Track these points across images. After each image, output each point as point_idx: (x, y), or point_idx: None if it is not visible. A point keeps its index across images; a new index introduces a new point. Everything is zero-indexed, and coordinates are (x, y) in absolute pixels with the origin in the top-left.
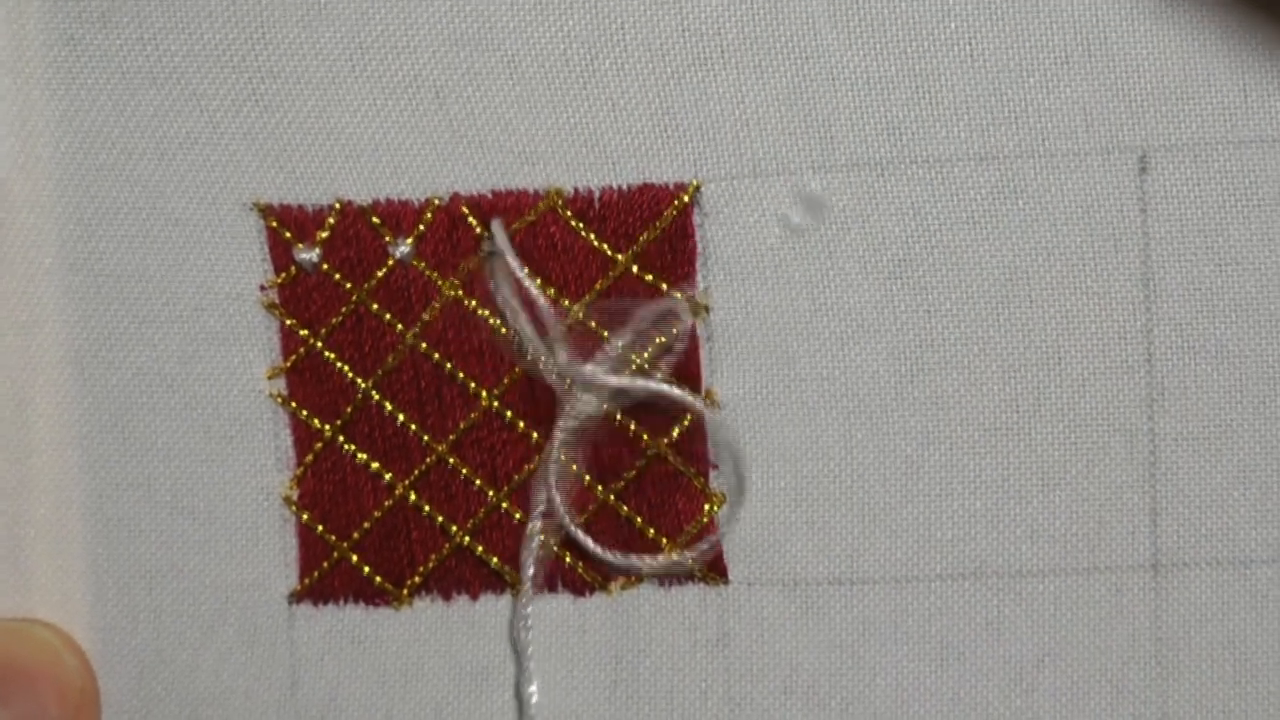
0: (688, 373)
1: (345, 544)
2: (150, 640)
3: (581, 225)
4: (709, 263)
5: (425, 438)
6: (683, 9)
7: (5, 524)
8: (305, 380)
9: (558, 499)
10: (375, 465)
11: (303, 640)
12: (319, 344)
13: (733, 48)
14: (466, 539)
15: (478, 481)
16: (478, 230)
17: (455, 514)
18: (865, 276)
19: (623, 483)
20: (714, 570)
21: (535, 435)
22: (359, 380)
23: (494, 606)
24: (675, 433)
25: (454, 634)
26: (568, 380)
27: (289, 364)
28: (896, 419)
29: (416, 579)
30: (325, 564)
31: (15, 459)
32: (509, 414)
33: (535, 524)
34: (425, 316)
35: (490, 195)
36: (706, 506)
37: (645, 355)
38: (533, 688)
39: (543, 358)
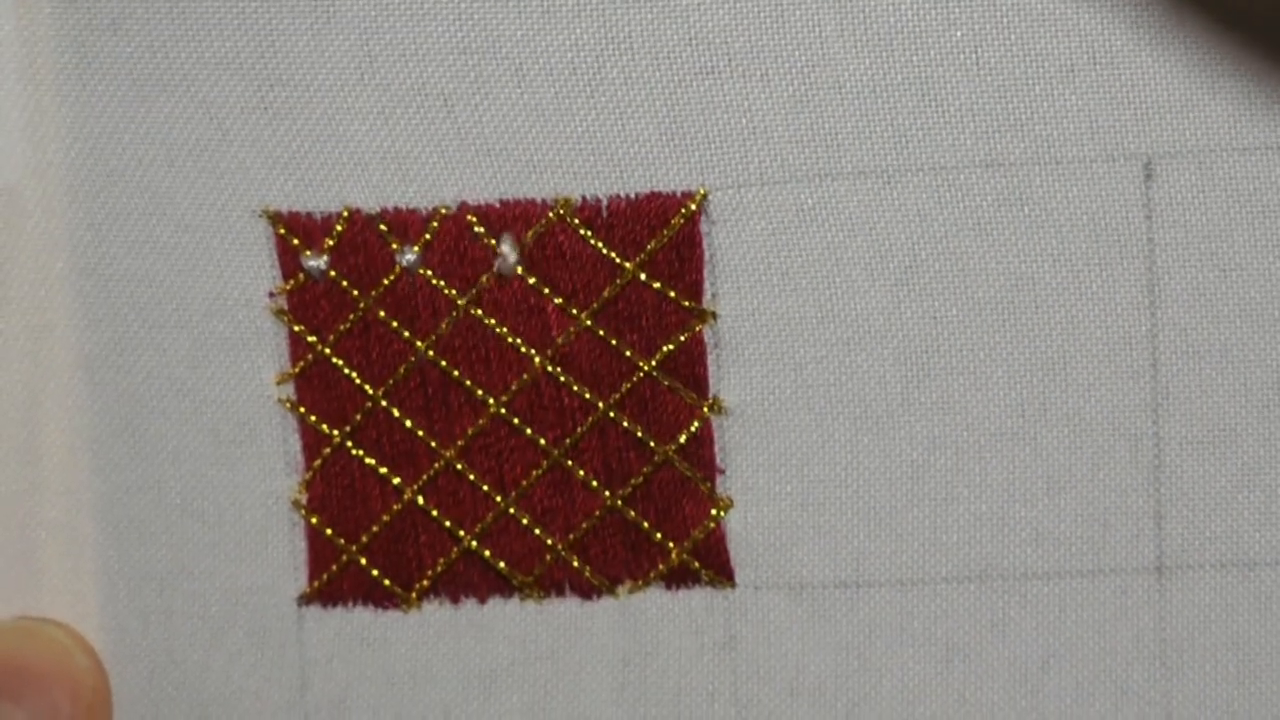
0: (695, 379)
1: (354, 547)
2: (161, 641)
3: (589, 233)
4: (716, 270)
5: (433, 443)
6: (690, 18)
7: (17, 526)
8: (314, 386)
9: None
10: (384, 470)
11: (312, 642)
12: (327, 350)
13: (739, 56)
14: (474, 543)
15: (485, 487)
16: (485, 240)
17: (463, 519)
18: (872, 283)
19: (630, 488)
20: (721, 574)
21: (543, 441)
22: (367, 388)
23: (502, 610)
24: (683, 438)
25: (462, 637)
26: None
27: (298, 370)
28: (903, 424)
29: (425, 582)
30: (334, 567)
31: (27, 462)
32: (516, 420)
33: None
34: (439, 330)
35: (498, 204)
36: (714, 511)
37: (652, 362)
38: None
39: None
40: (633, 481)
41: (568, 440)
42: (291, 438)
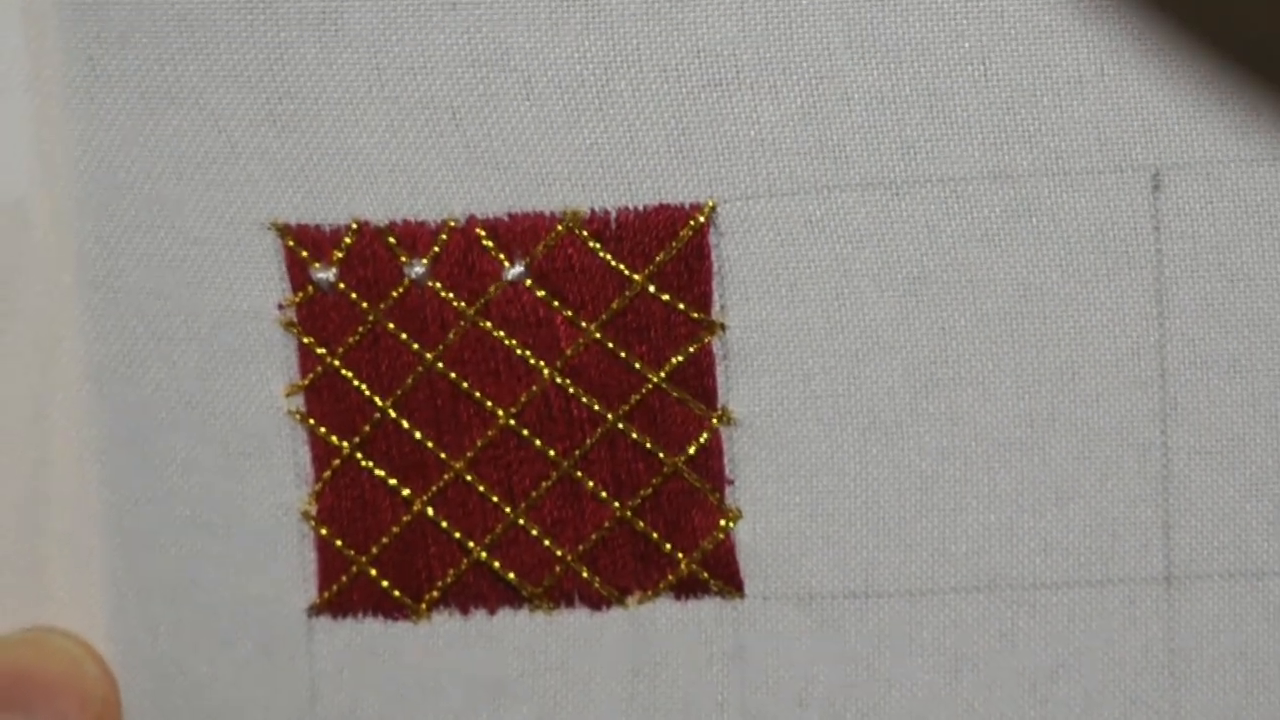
0: (704, 390)
1: (364, 558)
2: (169, 652)
3: (598, 245)
4: (725, 281)
5: (442, 454)
6: (697, 30)
7: (26, 536)
8: (323, 398)
9: None
10: (393, 482)
11: (321, 653)
12: (336, 363)
13: (747, 68)
14: (484, 554)
15: (495, 498)
16: (494, 254)
17: (473, 530)
18: (880, 294)
19: (639, 499)
20: (730, 584)
21: (552, 453)
22: (377, 399)
23: (511, 621)
24: (692, 449)
25: (472, 648)
26: None
27: (307, 382)
28: (911, 434)
29: (434, 593)
30: (344, 578)
31: (36, 473)
32: (525, 432)
33: None
34: (447, 341)
35: (507, 218)
36: (723, 522)
37: (661, 374)
38: None
39: None
40: (642, 492)
41: (577, 451)
42: (301, 449)
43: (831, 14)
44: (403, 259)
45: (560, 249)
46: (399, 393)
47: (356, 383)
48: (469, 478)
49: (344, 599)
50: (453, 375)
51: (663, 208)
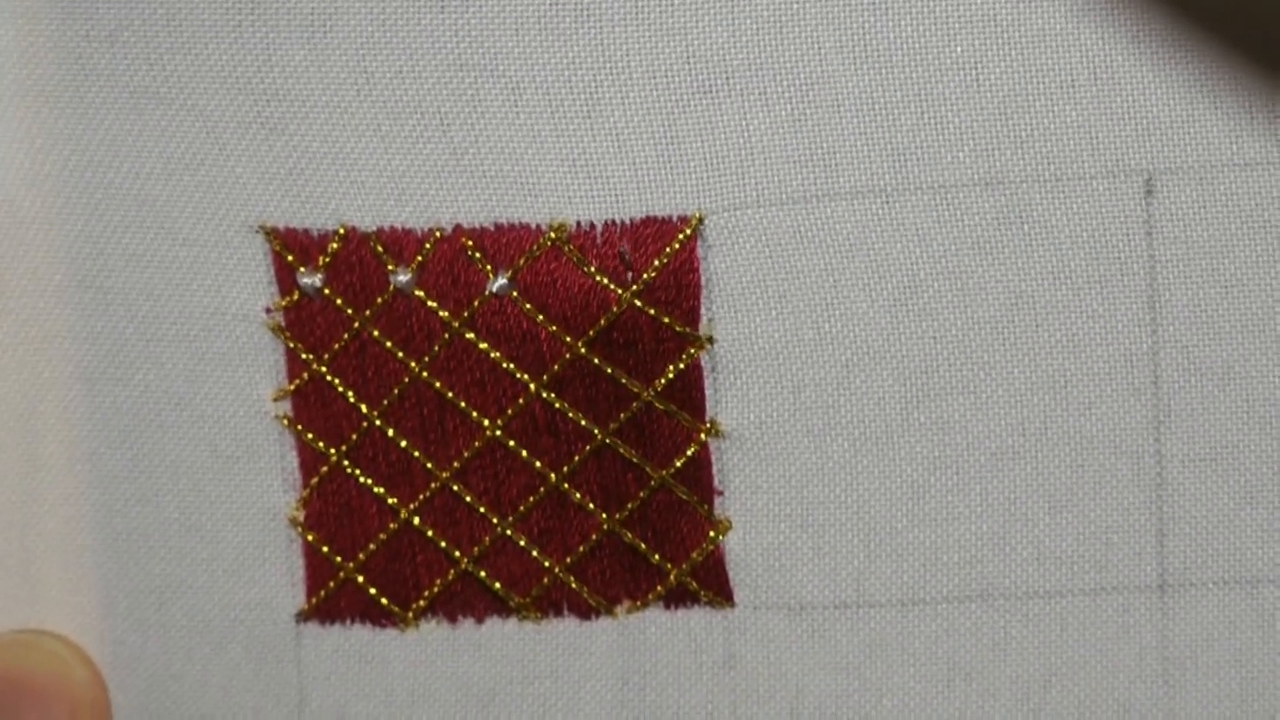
0: (693, 402)
1: (351, 565)
2: (159, 655)
3: (583, 260)
4: (713, 294)
5: (429, 464)
6: (686, 38)
7: (15, 538)
8: (310, 404)
9: None
10: (380, 490)
11: (310, 659)
12: (323, 369)
13: (736, 76)
14: (471, 565)
15: (482, 509)
16: (480, 264)
17: (459, 540)
18: (871, 303)
19: (628, 511)
20: (720, 595)
21: (539, 464)
22: (363, 407)
23: (500, 630)
24: (680, 462)
25: (460, 656)
26: None
27: (294, 387)
28: (903, 444)
29: (422, 602)
30: (331, 584)
31: (25, 474)
32: (512, 443)
33: None
34: (432, 351)
35: (493, 228)
36: (712, 533)
37: (650, 392)
38: None
39: None
40: (631, 504)
41: (565, 466)
42: (289, 454)
43: (821, 20)
44: (389, 267)
45: (544, 262)
46: (385, 402)
47: (343, 390)
48: (456, 488)
49: (332, 605)
50: (439, 385)
51: (650, 220)
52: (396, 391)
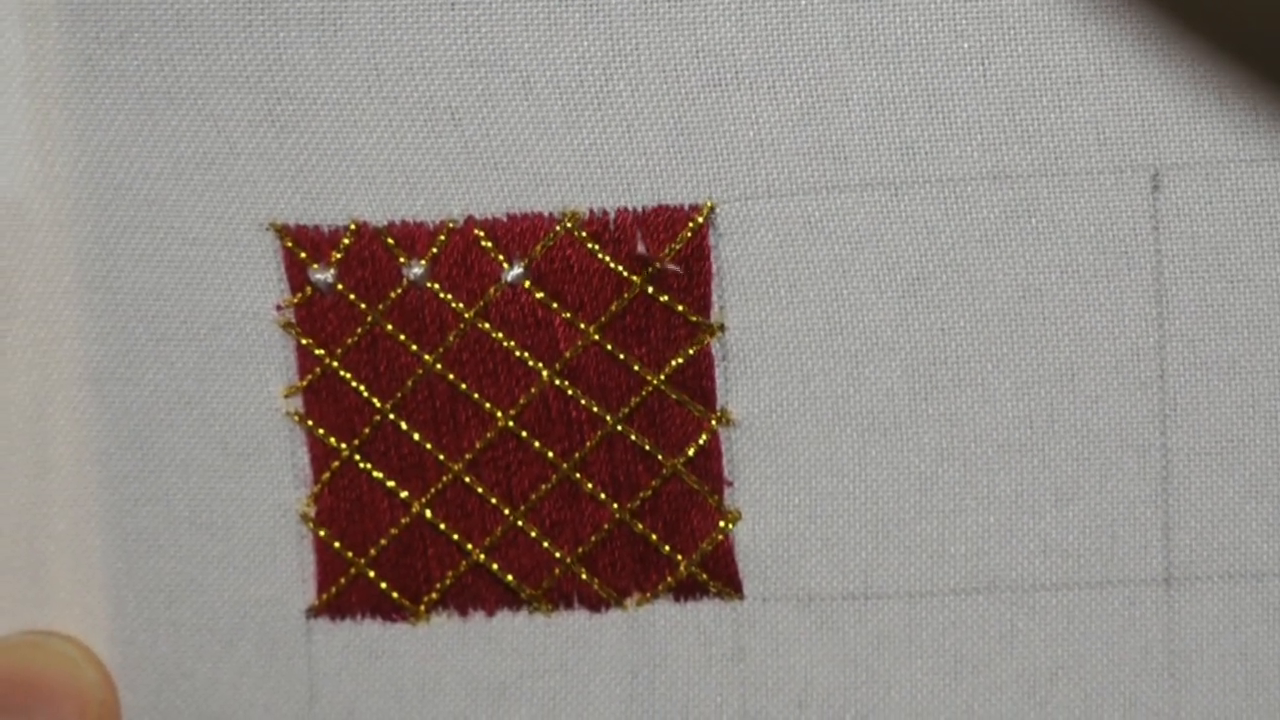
0: (703, 391)
1: (362, 560)
2: (169, 654)
3: (597, 247)
4: (724, 283)
5: (441, 456)
6: (697, 30)
7: (25, 538)
8: (322, 399)
9: None
10: (392, 484)
11: (320, 655)
12: (335, 364)
13: (747, 68)
14: (482, 557)
15: (494, 500)
16: (493, 255)
17: (471, 532)
18: (879, 295)
19: (639, 501)
20: (729, 586)
21: (551, 455)
22: (375, 401)
23: (510, 623)
24: (691, 451)
25: (470, 650)
26: None
27: (305, 383)
28: (911, 436)
29: (433, 595)
30: (342, 580)
31: (35, 474)
32: (524, 434)
33: None
34: (446, 343)
35: (505, 219)
36: (722, 523)
37: (661, 376)
38: None
39: None
40: (641, 494)
41: (576, 454)
42: (300, 450)
43: (831, 14)
44: (401, 260)
45: (559, 250)
46: (398, 395)
47: (355, 384)
48: (468, 479)
49: (343, 601)
50: (451, 377)
51: (662, 209)
52: (409, 384)
